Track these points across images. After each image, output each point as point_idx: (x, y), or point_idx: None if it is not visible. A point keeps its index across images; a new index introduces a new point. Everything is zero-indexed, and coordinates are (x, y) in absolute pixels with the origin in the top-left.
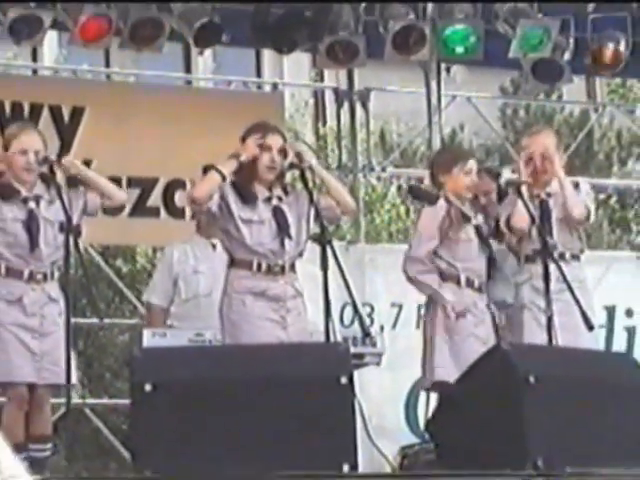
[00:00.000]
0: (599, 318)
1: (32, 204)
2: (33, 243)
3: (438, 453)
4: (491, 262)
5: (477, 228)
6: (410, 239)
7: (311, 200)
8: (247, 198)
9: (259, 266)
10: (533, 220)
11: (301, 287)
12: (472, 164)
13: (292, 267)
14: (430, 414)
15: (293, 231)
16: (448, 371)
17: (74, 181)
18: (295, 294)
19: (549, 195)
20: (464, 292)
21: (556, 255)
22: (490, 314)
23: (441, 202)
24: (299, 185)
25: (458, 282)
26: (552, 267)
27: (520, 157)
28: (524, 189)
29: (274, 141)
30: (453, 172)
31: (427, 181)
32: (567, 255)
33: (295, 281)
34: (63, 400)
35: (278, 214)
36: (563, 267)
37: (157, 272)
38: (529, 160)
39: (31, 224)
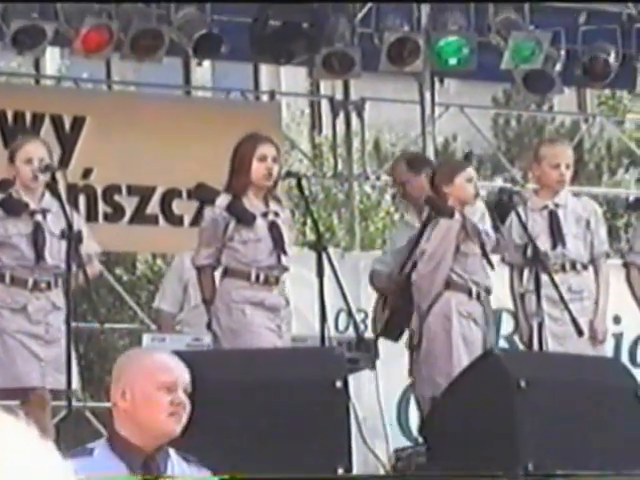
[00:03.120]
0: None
1: (39, 217)
2: (39, 256)
3: (430, 456)
4: None
5: (481, 243)
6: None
7: (307, 207)
8: (245, 220)
9: (257, 277)
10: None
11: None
12: (471, 171)
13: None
14: (423, 418)
15: (287, 246)
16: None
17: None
18: (286, 304)
19: (557, 206)
20: (473, 303)
21: (568, 265)
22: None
23: (457, 215)
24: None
25: (470, 293)
26: (559, 277)
27: (534, 165)
28: (529, 199)
29: (268, 150)
30: (455, 182)
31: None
32: (578, 265)
33: (284, 290)
34: (64, 403)
35: (274, 230)
36: (574, 277)
37: (167, 279)
38: (553, 169)
39: (37, 237)
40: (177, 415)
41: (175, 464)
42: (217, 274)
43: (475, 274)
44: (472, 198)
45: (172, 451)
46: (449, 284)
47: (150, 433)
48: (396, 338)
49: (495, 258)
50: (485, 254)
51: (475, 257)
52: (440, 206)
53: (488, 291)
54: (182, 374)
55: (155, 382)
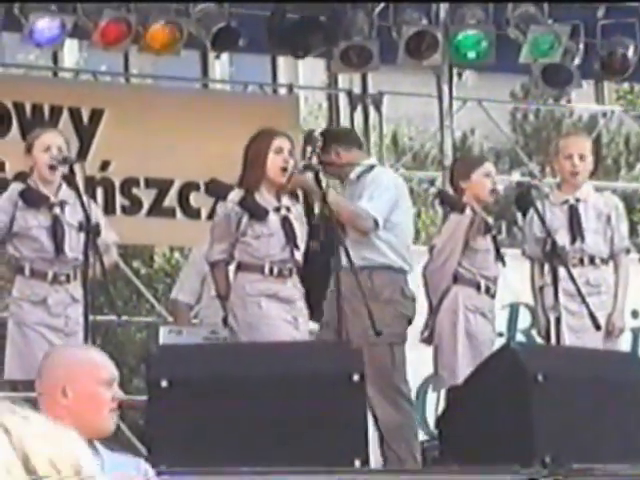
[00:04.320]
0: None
1: (57, 210)
2: (58, 249)
3: (446, 449)
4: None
5: (494, 238)
6: (433, 243)
7: (324, 200)
8: (258, 215)
9: (271, 270)
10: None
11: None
12: (489, 166)
13: (297, 270)
14: (440, 411)
15: (300, 240)
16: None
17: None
18: (301, 296)
19: (578, 200)
20: (482, 297)
21: (587, 260)
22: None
23: (468, 211)
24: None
25: (478, 288)
26: (577, 271)
27: (553, 159)
28: (551, 193)
29: (283, 143)
30: (472, 178)
31: (440, 186)
32: (597, 260)
33: (298, 283)
34: None
35: (286, 225)
36: (593, 271)
37: (185, 272)
38: (567, 159)
39: (57, 230)
40: (115, 411)
41: (103, 454)
42: (231, 269)
43: (485, 269)
44: (489, 194)
45: (97, 443)
46: (457, 278)
47: (91, 429)
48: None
49: (514, 252)
50: (497, 250)
51: (486, 253)
52: (448, 200)
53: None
54: (115, 370)
55: (97, 378)
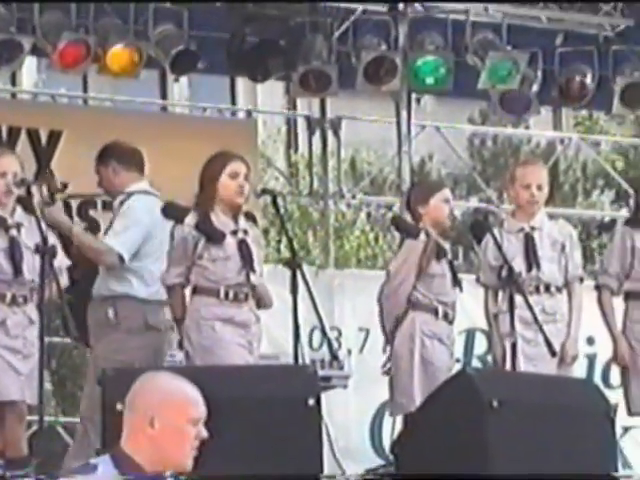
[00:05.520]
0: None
1: (14, 232)
2: (17, 270)
3: (400, 474)
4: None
5: (450, 263)
6: (389, 268)
7: (282, 225)
8: (214, 238)
9: (226, 294)
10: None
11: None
12: (447, 192)
13: (253, 294)
14: (395, 436)
15: (256, 264)
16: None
17: (52, 200)
18: (256, 320)
19: (533, 228)
20: (440, 323)
21: (542, 287)
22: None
23: (422, 236)
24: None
25: (436, 313)
26: (533, 299)
27: (509, 187)
28: (506, 221)
29: (239, 168)
30: (430, 202)
31: (398, 211)
32: (552, 288)
33: (254, 306)
34: (36, 417)
35: (243, 248)
36: (548, 299)
37: None
38: (524, 189)
39: (14, 252)
40: (195, 449)
41: None
42: (187, 292)
43: (442, 294)
44: (447, 219)
45: (167, 473)
46: (414, 304)
47: (169, 462)
48: None
49: (470, 278)
50: (454, 275)
51: (442, 278)
52: (403, 226)
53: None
54: (204, 409)
55: (186, 415)
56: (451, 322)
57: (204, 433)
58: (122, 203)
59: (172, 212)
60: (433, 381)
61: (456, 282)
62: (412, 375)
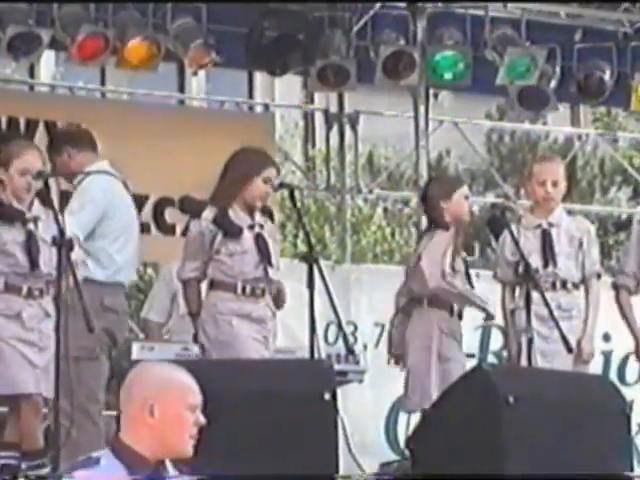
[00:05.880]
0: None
1: (31, 225)
2: (33, 264)
3: (415, 470)
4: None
5: (464, 260)
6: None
7: (299, 219)
8: (232, 232)
9: (243, 289)
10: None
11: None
12: (467, 189)
13: (269, 289)
14: (410, 432)
15: (273, 258)
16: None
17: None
18: (272, 316)
19: (551, 225)
20: (454, 320)
21: (559, 284)
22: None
23: (452, 230)
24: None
25: (451, 311)
26: (549, 295)
27: (526, 183)
28: (523, 217)
29: (272, 173)
30: (454, 198)
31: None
32: (569, 284)
33: (270, 302)
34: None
35: (260, 242)
36: (565, 295)
37: (155, 288)
38: (540, 185)
39: (31, 246)
40: (195, 436)
41: (170, 474)
42: (203, 286)
43: None
44: (467, 215)
45: (167, 461)
46: (430, 300)
47: (170, 450)
48: None
49: (487, 274)
50: (467, 272)
51: (460, 274)
52: (434, 218)
53: None
54: (200, 396)
55: (185, 402)
56: (461, 318)
57: (202, 419)
58: (80, 183)
59: (189, 206)
60: (448, 378)
61: (469, 279)
62: (430, 372)
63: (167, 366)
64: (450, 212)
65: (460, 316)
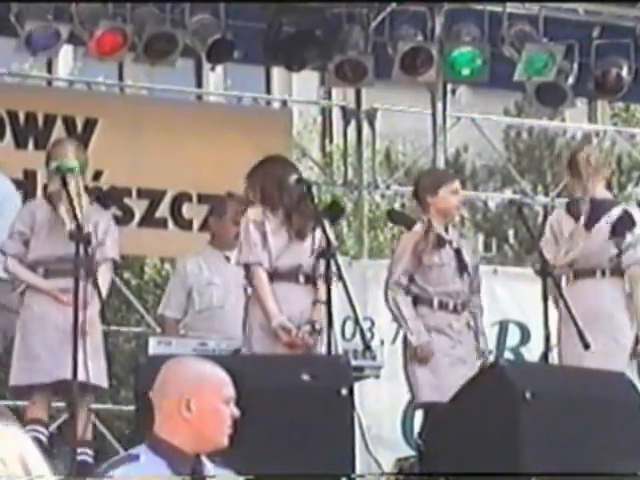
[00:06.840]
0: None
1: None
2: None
3: (431, 465)
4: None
5: (457, 251)
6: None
7: (316, 215)
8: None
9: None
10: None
11: None
12: (457, 185)
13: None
14: (426, 428)
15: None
16: (430, 392)
17: (104, 201)
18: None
19: None
20: (436, 314)
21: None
22: (473, 332)
23: (417, 226)
24: None
25: (430, 305)
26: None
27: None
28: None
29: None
30: (439, 193)
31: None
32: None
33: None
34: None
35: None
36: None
37: (170, 284)
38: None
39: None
40: (230, 428)
41: (208, 466)
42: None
43: (442, 284)
44: (454, 211)
45: (202, 456)
46: (416, 299)
47: (207, 444)
48: None
49: (507, 269)
50: (460, 263)
51: (442, 267)
52: (398, 218)
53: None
54: (233, 388)
55: (221, 396)
56: (455, 310)
57: (236, 412)
58: None
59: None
60: (436, 372)
61: (462, 270)
62: (413, 369)
63: (199, 361)
64: (435, 208)
65: (448, 308)
